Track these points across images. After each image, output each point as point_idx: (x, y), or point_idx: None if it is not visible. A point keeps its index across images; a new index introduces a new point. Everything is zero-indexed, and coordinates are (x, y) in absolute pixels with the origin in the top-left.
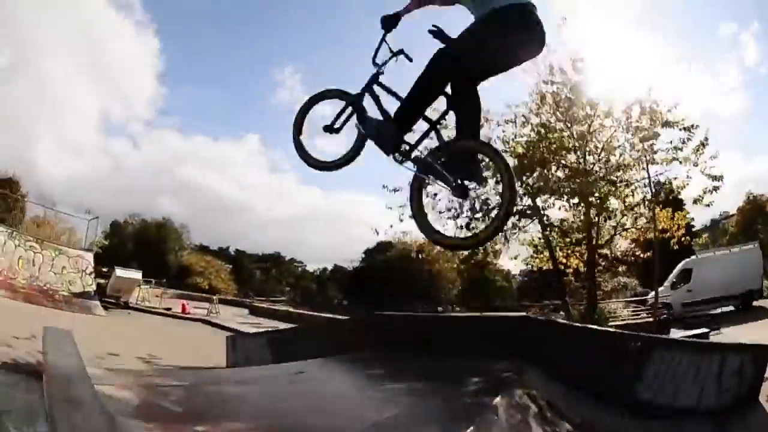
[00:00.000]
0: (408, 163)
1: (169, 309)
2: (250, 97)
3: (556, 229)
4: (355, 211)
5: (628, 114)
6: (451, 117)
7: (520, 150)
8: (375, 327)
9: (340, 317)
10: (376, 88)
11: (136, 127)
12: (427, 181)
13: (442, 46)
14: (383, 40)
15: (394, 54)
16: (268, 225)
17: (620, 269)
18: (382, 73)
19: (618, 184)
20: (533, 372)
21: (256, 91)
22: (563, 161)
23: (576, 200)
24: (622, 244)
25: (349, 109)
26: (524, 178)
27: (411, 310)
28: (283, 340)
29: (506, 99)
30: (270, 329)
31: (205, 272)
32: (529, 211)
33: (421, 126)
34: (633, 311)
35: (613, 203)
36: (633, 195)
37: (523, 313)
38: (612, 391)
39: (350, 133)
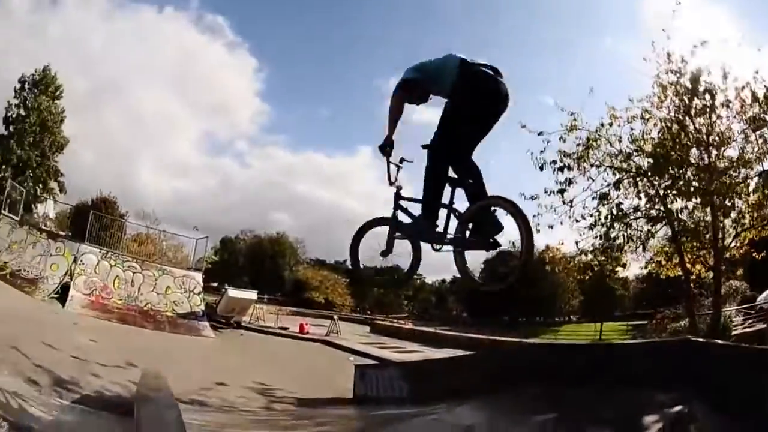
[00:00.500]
0: (445, 247)
1: (285, 329)
2: (356, 109)
3: (688, 233)
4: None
5: (742, 101)
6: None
7: (648, 148)
8: (528, 358)
9: (478, 337)
10: (402, 202)
11: (242, 144)
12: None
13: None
14: (388, 163)
15: (399, 166)
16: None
17: (738, 272)
18: (401, 187)
19: (743, 180)
20: (700, 401)
21: (362, 104)
22: (691, 159)
23: (700, 200)
24: (736, 245)
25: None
26: (655, 181)
27: (530, 321)
28: (422, 373)
29: (629, 93)
30: (403, 360)
31: (321, 287)
32: (663, 215)
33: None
34: (745, 317)
35: (738, 202)
36: (757, 191)
37: (686, 336)
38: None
39: None
